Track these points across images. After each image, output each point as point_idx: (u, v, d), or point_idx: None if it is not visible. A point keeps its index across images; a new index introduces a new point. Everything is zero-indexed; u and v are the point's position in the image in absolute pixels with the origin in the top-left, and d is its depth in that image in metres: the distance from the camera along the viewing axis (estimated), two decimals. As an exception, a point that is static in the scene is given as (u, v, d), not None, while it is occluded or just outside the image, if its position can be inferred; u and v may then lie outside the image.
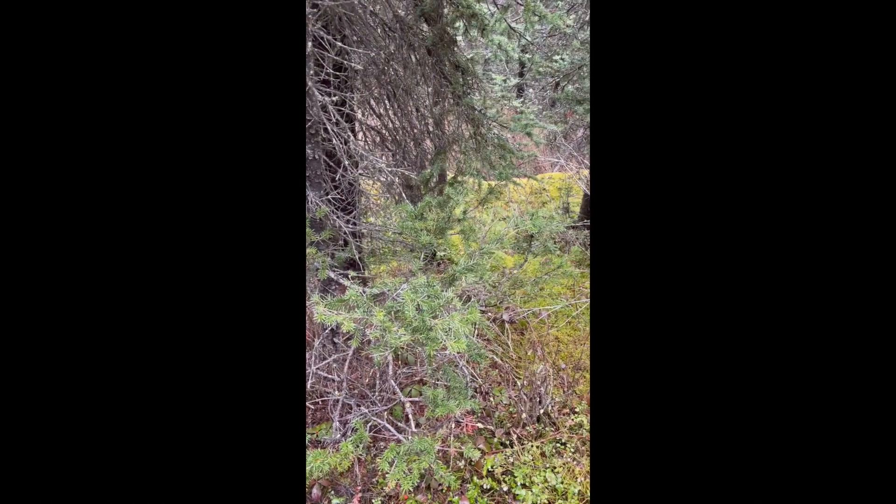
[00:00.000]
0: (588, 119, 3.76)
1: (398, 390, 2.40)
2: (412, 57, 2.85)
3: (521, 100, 4.99)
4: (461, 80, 3.26)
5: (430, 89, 3.06)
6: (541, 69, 4.50)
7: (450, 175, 3.72)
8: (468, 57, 3.12)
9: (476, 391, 2.56)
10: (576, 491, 1.90)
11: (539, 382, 2.37)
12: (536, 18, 2.70)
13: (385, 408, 2.34)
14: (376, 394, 2.40)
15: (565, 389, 2.52)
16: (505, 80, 4.43)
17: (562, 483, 1.94)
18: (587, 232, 4.70)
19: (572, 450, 2.11)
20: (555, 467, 2.01)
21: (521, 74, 6.90)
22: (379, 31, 2.87)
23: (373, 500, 1.98)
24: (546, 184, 6.35)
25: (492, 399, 2.54)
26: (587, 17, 4.07)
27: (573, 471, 2.00)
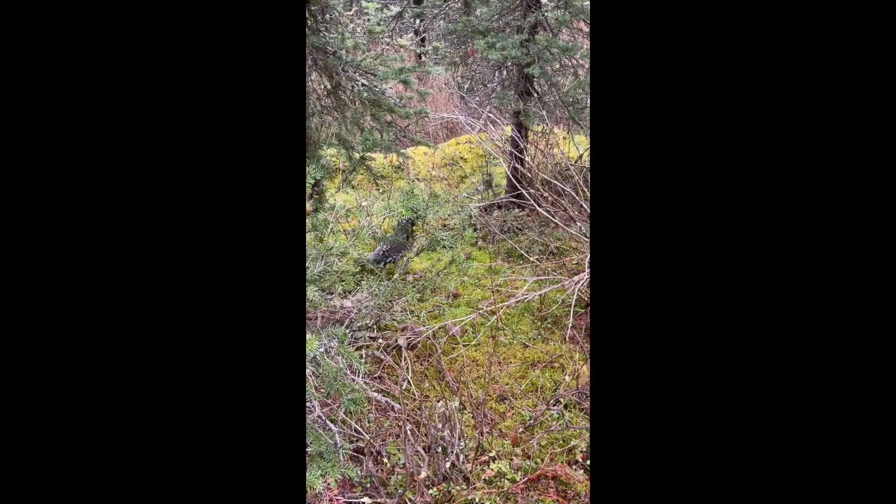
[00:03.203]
0: (493, 56, 3.85)
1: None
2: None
3: (415, 35, 5.01)
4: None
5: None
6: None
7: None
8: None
9: (360, 452, 2.52)
10: (492, 568, 1.92)
11: (440, 426, 2.38)
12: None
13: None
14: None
15: (483, 429, 2.55)
16: (382, 9, 4.41)
17: (474, 560, 1.95)
18: (517, 211, 4.82)
19: (488, 512, 2.14)
20: (465, 540, 2.02)
21: (417, 1, 6.95)
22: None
23: None
24: (463, 151, 6.45)
25: (386, 460, 2.51)
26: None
27: (489, 540, 2.02)
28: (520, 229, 4.62)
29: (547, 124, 4.36)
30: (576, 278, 3.17)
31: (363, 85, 3.41)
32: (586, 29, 4.00)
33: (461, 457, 2.38)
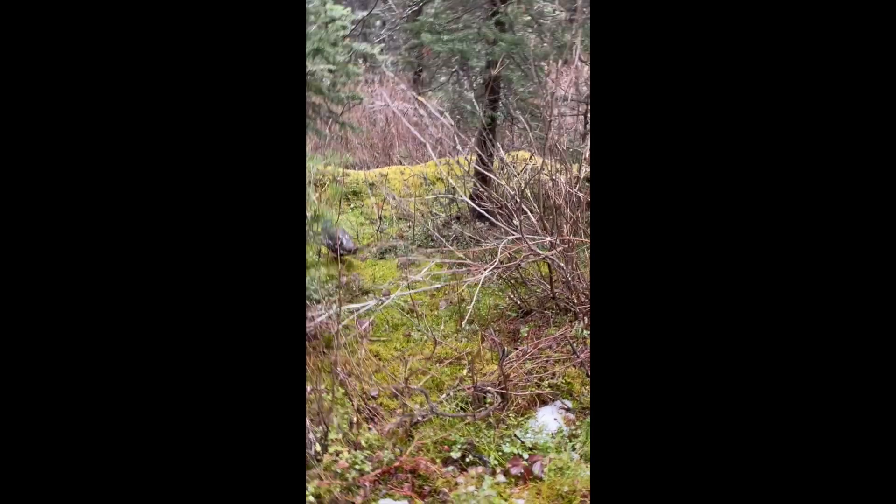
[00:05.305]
0: (439, 48, 3.69)
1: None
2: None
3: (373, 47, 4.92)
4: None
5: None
6: None
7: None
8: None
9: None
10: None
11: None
12: None
13: None
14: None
15: (354, 425, 2.22)
16: (345, 15, 4.32)
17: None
18: (479, 224, 4.56)
19: None
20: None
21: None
22: None
23: None
24: (441, 170, 6.26)
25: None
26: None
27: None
28: (476, 241, 4.36)
29: (508, 128, 4.15)
30: (486, 266, 2.87)
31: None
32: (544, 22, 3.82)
33: (313, 446, 2.05)
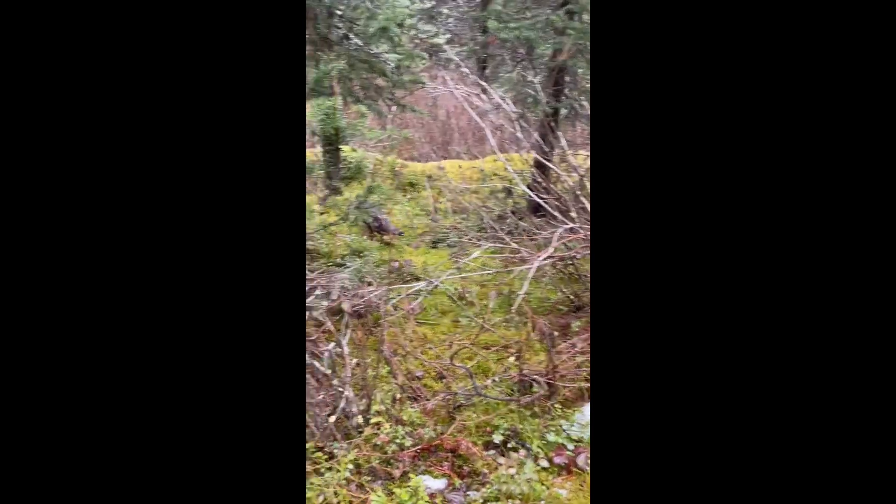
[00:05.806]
0: (504, 35, 3.63)
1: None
2: None
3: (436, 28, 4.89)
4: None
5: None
6: None
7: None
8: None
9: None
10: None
11: (328, 372, 2.04)
12: None
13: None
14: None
15: (397, 401, 2.19)
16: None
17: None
18: (536, 219, 4.47)
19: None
20: None
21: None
22: None
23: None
24: (499, 168, 6.19)
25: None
26: None
27: None
28: (531, 235, 4.28)
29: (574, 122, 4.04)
30: (539, 254, 2.79)
31: (355, 44, 3.25)
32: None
33: (356, 418, 2.03)
